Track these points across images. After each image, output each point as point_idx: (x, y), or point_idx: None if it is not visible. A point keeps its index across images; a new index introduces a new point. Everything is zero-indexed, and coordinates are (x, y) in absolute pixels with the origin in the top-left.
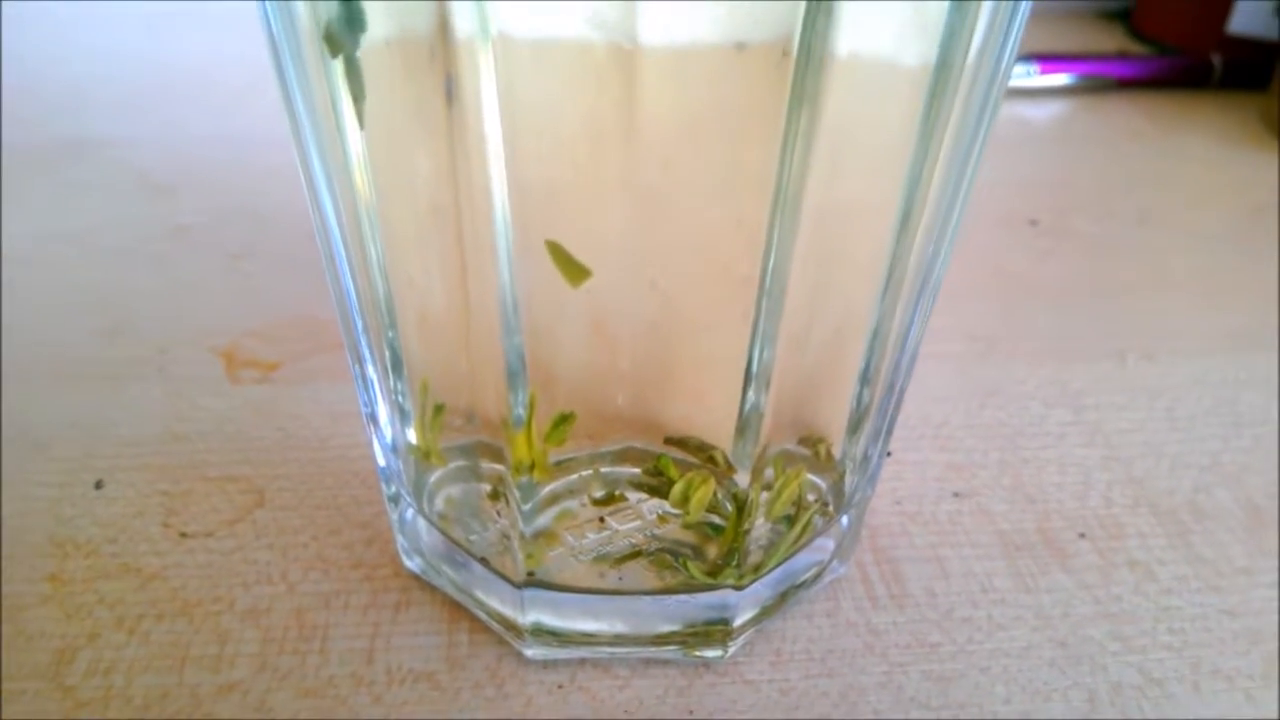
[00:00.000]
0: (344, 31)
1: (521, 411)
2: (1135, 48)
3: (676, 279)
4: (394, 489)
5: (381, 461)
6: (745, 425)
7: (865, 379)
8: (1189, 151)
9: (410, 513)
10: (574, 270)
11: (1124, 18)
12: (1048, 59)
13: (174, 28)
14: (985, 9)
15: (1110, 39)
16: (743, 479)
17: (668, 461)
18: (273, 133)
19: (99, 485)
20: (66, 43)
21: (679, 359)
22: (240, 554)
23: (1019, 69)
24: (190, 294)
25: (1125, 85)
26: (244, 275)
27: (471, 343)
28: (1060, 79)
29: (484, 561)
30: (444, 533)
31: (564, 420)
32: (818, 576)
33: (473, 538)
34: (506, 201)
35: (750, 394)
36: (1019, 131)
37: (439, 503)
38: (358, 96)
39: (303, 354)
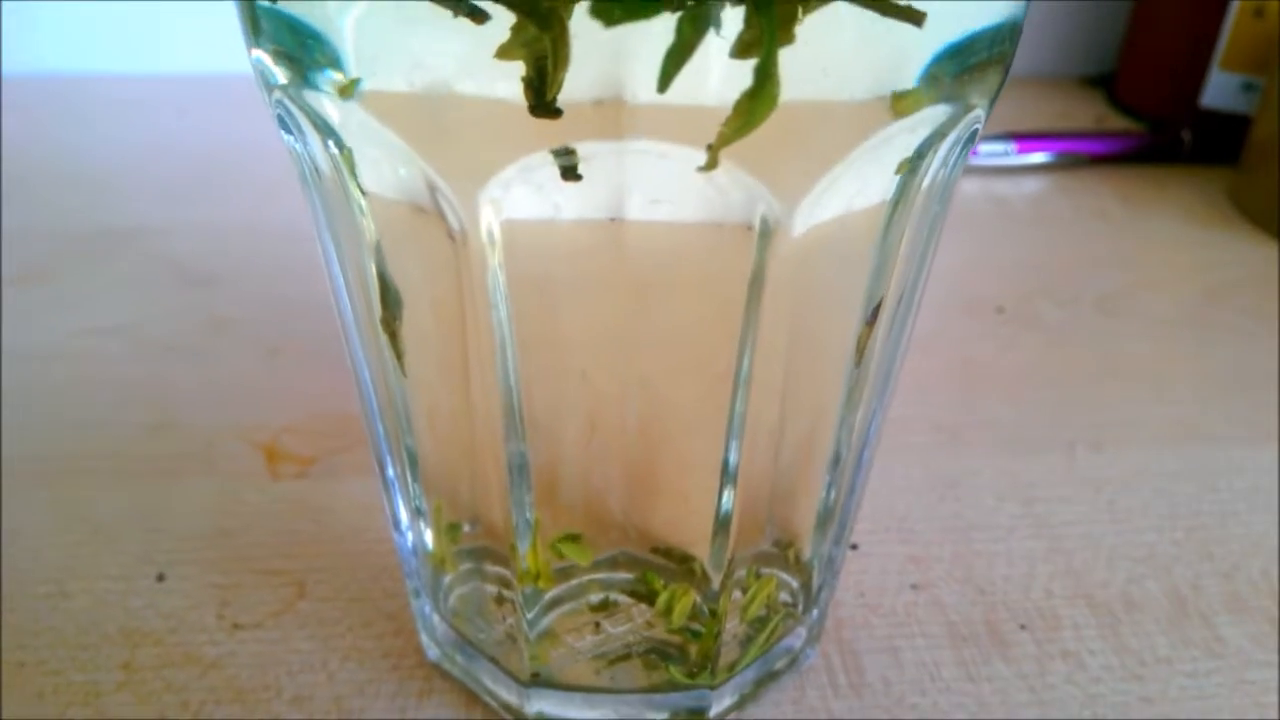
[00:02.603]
0: (392, 314)
1: (529, 516)
2: (1113, 117)
3: (665, 376)
4: (415, 585)
5: (403, 561)
6: (721, 528)
7: (832, 480)
8: (1155, 231)
9: (428, 608)
10: (582, 553)
11: (1105, 84)
12: (1025, 138)
13: (210, 115)
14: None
15: (1090, 106)
16: (716, 585)
17: (653, 575)
18: (306, 225)
19: (161, 578)
20: (106, 130)
21: (666, 463)
22: (285, 644)
23: (997, 148)
24: (231, 388)
25: (1099, 161)
26: (280, 369)
27: (476, 447)
28: (1037, 157)
29: (493, 660)
30: (457, 630)
31: (571, 539)
32: (791, 664)
33: (481, 636)
34: (506, 302)
35: (726, 495)
36: (994, 211)
37: (453, 600)
38: (400, 354)
39: (336, 450)
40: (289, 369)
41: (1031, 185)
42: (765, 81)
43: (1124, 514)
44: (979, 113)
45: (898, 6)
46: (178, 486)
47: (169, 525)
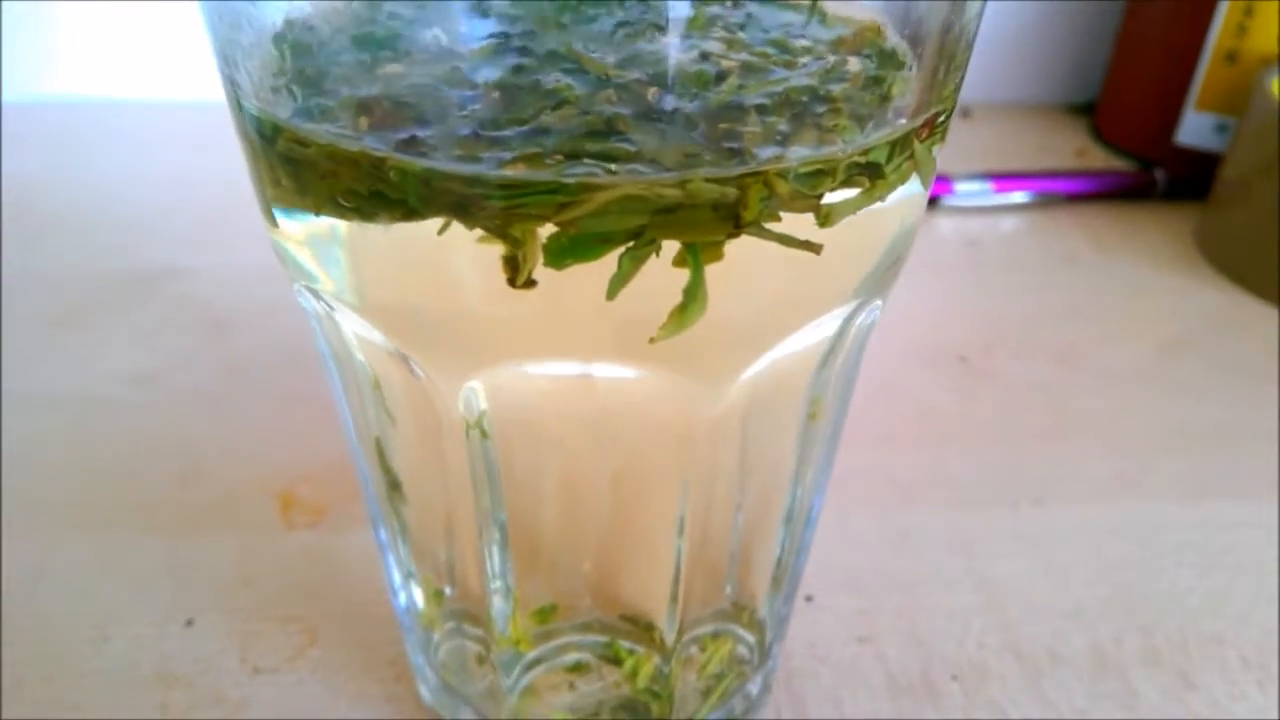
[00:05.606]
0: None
1: (510, 584)
2: (1094, 150)
3: (633, 435)
4: (410, 639)
5: (399, 619)
6: (674, 596)
7: (784, 540)
8: (1122, 276)
9: (422, 659)
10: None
11: (1089, 112)
12: (1002, 177)
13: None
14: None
15: (1072, 137)
16: (670, 643)
17: (619, 646)
18: None
19: (190, 624)
20: (123, 163)
21: (634, 529)
22: (300, 688)
23: (974, 187)
24: (250, 436)
25: (1076, 199)
26: (295, 418)
27: (454, 521)
28: (1015, 196)
29: (479, 711)
30: (445, 681)
31: (546, 611)
32: (749, 709)
33: (468, 689)
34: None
35: (680, 567)
36: (966, 255)
37: (442, 654)
38: (398, 506)
39: (345, 500)
40: (304, 418)
41: (1007, 225)
42: (693, 300)
43: (1058, 569)
44: (879, 302)
45: (798, 240)
46: (204, 536)
47: (196, 574)
